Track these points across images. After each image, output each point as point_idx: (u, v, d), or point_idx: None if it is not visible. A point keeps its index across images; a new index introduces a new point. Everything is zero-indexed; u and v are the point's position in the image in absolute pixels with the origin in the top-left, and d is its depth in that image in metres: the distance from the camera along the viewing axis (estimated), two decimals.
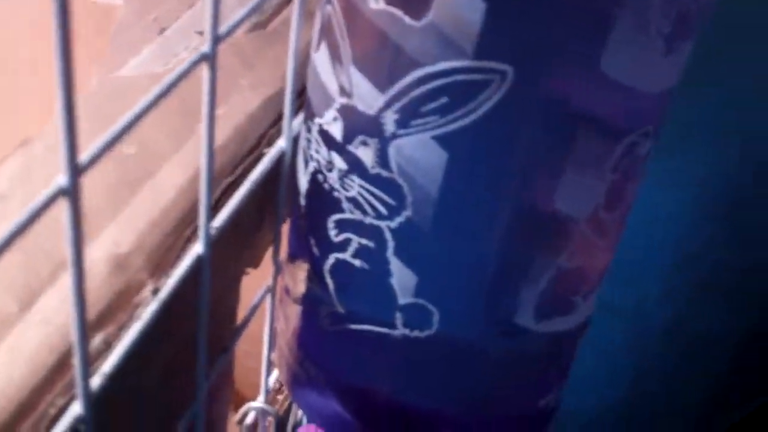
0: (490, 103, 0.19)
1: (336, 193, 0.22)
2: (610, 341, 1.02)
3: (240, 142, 0.23)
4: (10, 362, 0.16)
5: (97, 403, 0.16)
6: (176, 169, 0.21)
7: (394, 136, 0.20)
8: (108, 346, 0.17)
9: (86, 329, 0.15)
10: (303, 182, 0.24)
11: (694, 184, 0.90)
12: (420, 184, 0.21)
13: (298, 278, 0.25)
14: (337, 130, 0.22)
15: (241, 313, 0.27)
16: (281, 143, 0.24)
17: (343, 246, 0.23)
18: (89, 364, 0.17)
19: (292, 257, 0.26)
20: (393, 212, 0.21)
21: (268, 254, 0.27)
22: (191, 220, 0.20)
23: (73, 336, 0.15)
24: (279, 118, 0.25)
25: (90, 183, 0.21)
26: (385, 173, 0.21)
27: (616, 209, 0.22)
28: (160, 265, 0.19)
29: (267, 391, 0.29)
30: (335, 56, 0.21)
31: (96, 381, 0.16)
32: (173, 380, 0.22)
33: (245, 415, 0.29)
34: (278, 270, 0.26)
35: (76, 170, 0.13)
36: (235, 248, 0.24)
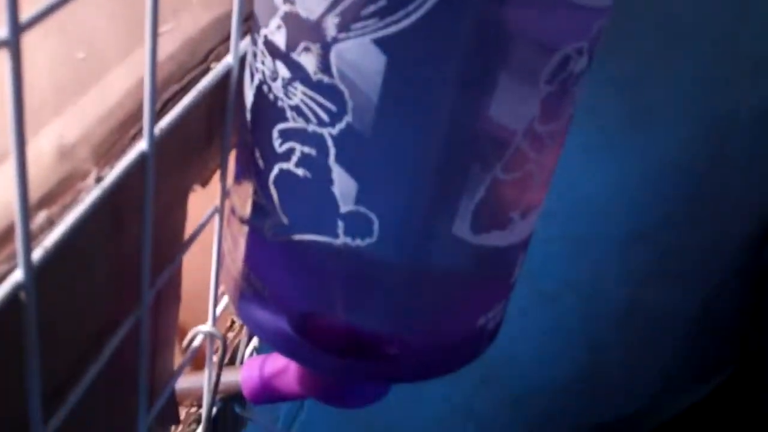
0: (426, 6, 0.20)
1: (280, 103, 0.23)
2: (568, 318, 1.04)
3: (188, 53, 0.24)
4: None
5: (39, 275, 0.17)
6: (125, 73, 0.22)
7: (335, 41, 0.21)
8: (51, 224, 0.18)
9: (27, 196, 0.16)
10: (249, 96, 0.24)
11: (652, 163, 0.92)
12: (360, 89, 0.21)
13: (244, 198, 0.26)
14: (281, 38, 0.22)
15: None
16: (229, 59, 0.25)
17: (287, 156, 0.23)
18: (32, 238, 0.17)
19: (239, 178, 0.26)
20: (334, 119, 0.22)
21: (216, 178, 0.28)
22: (137, 120, 0.21)
23: (15, 202, 0.16)
24: (228, 37, 0.26)
25: (38, 82, 0.21)
26: (326, 79, 0.22)
27: (551, 123, 0.23)
28: (105, 158, 0.20)
29: (215, 316, 0.30)
30: None
31: (37, 253, 0.17)
32: (120, 283, 0.22)
33: (193, 339, 0.29)
34: (226, 190, 0.27)
35: (17, 26, 0.14)
36: (181, 160, 0.24)
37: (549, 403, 1.05)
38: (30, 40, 0.15)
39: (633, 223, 0.94)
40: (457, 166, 0.22)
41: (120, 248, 0.22)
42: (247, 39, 0.25)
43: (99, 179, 0.19)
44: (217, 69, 0.24)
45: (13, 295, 0.16)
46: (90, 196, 0.18)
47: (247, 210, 0.26)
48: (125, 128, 0.21)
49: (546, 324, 0.96)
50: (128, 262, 0.22)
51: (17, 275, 0.16)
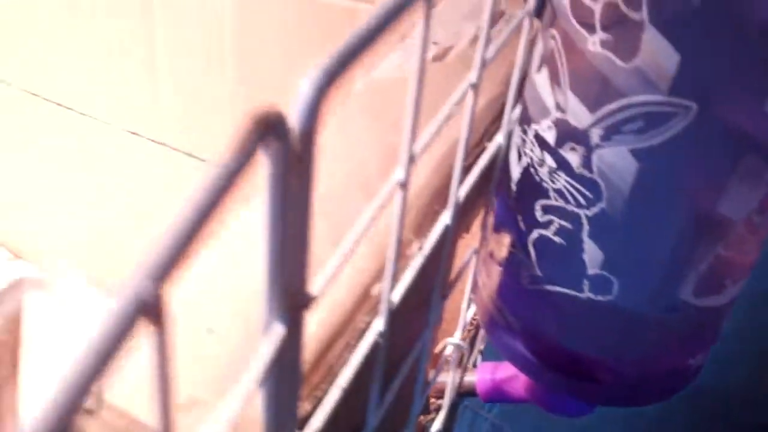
0: (675, 129, 0.25)
1: (545, 184, 0.29)
2: (740, 327, 1.05)
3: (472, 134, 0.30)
4: (334, 291, 0.24)
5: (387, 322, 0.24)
6: (426, 160, 0.29)
7: (598, 147, 0.27)
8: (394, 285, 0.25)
9: (397, 268, 0.23)
10: (515, 171, 0.31)
11: None
12: (615, 184, 0.27)
13: (502, 245, 0.32)
14: (550, 137, 0.28)
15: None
16: (499, 139, 0.31)
17: (546, 225, 0.29)
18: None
19: (498, 227, 0.33)
20: (590, 203, 0.28)
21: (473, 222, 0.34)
22: (440, 196, 0.28)
23: (386, 273, 0.23)
24: (496, 117, 0.32)
25: (364, 169, 0.28)
26: (587, 173, 0.28)
27: (766, 214, 0.28)
28: (421, 229, 0.27)
29: (463, 331, 0.36)
30: (555, 80, 0.28)
31: (391, 306, 0.24)
32: (416, 314, 0.29)
33: (444, 347, 0.36)
34: (485, 237, 0.34)
35: (412, 158, 0.21)
36: (461, 219, 0.31)
37: (733, 403, 1.07)
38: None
39: None
40: (688, 246, 0.28)
41: (422, 288, 0.29)
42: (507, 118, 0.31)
43: (420, 248, 0.26)
44: (490, 148, 0.31)
45: (375, 341, 0.23)
46: (415, 261, 0.25)
47: (503, 254, 0.32)
48: (432, 205, 0.27)
49: (736, 331, 0.99)
50: (421, 298, 0.29)
51: (378, 324, 0.23)
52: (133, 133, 0.50)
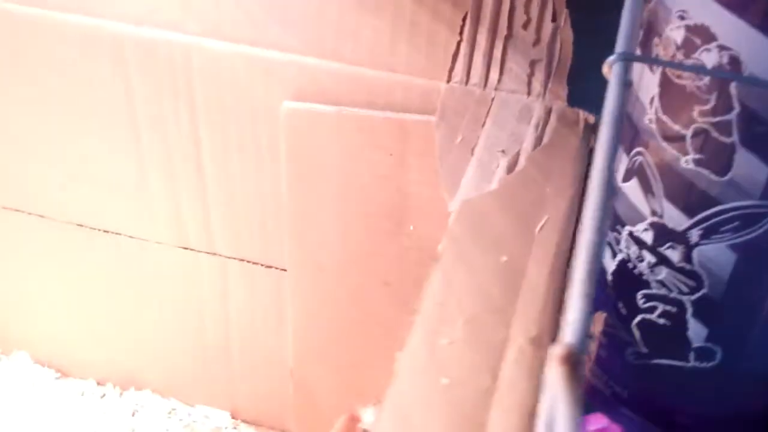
0: (767, 226, 0.30)
1: (645, 276, 0.33)
2: None
3: (566, 239, 0.34)
4: None
5: None
6: (541, 268, 0.33)
7: (697, 245, 0.31)
8: None
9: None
10: (610, 265, 0.35)
11: None
12: (715, 273, 0.31)
13: (598, 324, 0.36)
14: (647, 237, 0.33)
15: None
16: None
17: (649, 310, 0.34)
18: None
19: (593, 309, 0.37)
20: (693, 290, 0.32)
21: None
22: (556, 301, 0.32)
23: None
24: (579, 213, 0.36)
25: (480, 283, 0.32)
26: (688, 266, 0.32)
27: None
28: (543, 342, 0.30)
29: None
30: (647, 190, 0.32)
31: None
32: None
33: None
34: None
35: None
36: None
37: None
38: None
39: None
40: None
41: None
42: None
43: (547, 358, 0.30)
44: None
45: None
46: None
47: (602, 334, 0.36)
48: (554, 316, 0.31)
49: None
50: None
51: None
52: (184, 248, 0.53)
